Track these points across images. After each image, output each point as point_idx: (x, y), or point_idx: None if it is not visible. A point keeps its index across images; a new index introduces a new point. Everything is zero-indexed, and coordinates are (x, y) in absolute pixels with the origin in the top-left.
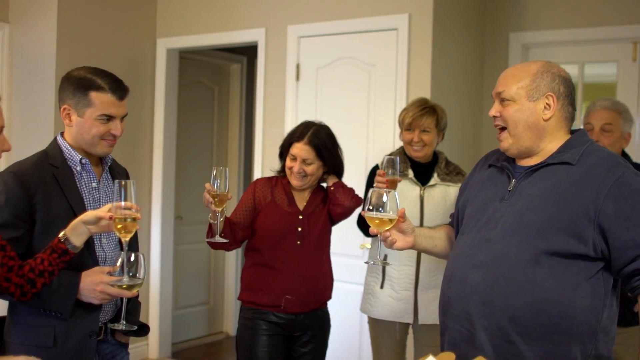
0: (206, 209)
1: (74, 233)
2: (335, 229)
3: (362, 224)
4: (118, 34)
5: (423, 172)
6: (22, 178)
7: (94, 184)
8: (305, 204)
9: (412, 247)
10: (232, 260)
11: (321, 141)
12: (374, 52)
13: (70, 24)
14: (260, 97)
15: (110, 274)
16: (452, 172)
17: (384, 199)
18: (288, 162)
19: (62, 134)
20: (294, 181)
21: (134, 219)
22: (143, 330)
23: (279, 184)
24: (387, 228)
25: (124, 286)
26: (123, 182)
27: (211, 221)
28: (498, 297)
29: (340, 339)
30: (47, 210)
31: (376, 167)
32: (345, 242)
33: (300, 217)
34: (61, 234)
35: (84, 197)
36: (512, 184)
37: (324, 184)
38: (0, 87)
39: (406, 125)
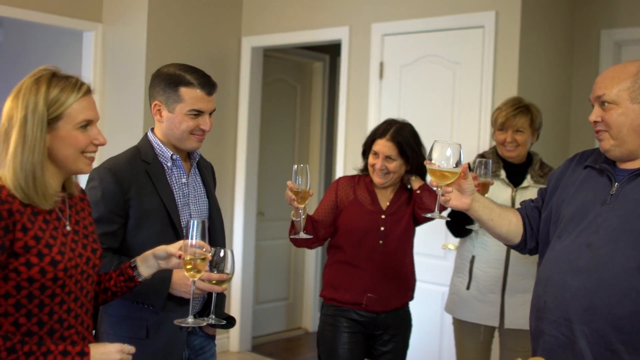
0: (288, 206)
1: (144, 264)
2: (417, 229)
3: (451, 225)
4: (205, 33)
5: (516, 173)
6: (117, 174)
7: (184, 180)
8: (388, 203)
9: (466, 210)
10: (312, 257)
11: (404, 138)
12: (459, 50)
13: (159, 23)
14: (343, 96)
15: None
16: (546, 175)
17: (448, 152)
18: (370, 159)
19: (152, 129)
20: (376, 178)
21: (204, 259)
22: (230, 323)
23: (361, 182)
24: (447, 182)
25: (214, 281)
26: (196, 221)
27: (293, 218)
28: (600, 303)
29: (421, 340)
30: (140, 206)
31: (467, 165)
32: (427, 242)
33: (383, 216)
34: (132, 260)
35: (175, 193)
36: (615, 187)
37: (409, 185)
38: (94, 83)
39: (499, 125)
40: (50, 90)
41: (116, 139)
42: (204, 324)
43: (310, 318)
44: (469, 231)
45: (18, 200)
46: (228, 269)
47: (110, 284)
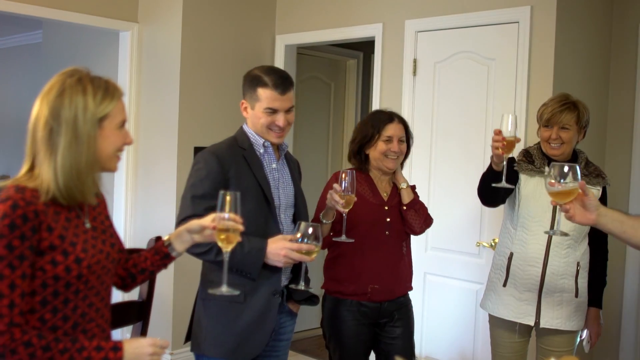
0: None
1: (178, 240)
2: (451, 227)
3: (482, 192)
4: (239, 32)
5: None
6: (219, 156)
7: (274, 165)
8: (386, 194)
9: (594, 225)
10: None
11: (405, 121)
12: (493, 46)
13: (194, 23)
14: (376, 93)
15: (291, 242)
16: (591, 174)
17: (565, 170)
18: (382, 146)
19: (245, 123)
20: (389, 164)
21: (236, 230)
22: (312, 300)
23: (360, 176)
24: (567, 201)
25: (304, 252)
26: (227, 194)
27: (324, 220)
28: None
29: (456, 337)
30: (239, 185)
31: (512, 159)
32: (461, 239)
33: (386, 207)
34: (165, 238)
35: (267, 175)
36: None
37: (400, 186)
38: (130, 82)
39: (544, 121)
40: (96, 90)
41: (152, 137)
42: (237, 293)
43: None
44: (498, 196)
45: (42, 200)
46: (318, 242)
47: (146, 265)
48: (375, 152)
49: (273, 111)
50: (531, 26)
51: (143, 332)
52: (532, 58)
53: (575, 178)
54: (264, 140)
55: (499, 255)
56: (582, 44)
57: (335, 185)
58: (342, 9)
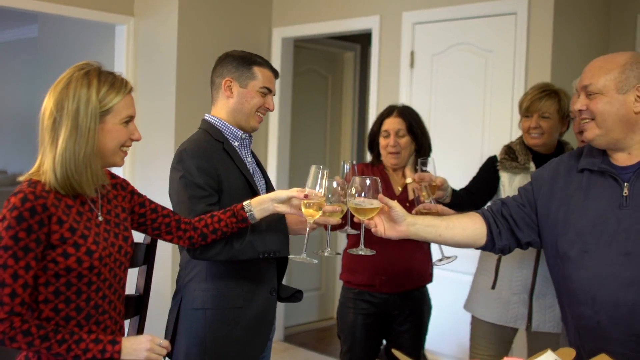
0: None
1: (258, 207)
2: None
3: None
4: (235, 25)
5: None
6: (205, 151)
7: (250, 159)
8: (400, 189)
9: (406, 237)
10: (344, 247)
11: (410, 114)
12: (491, 37)
13: (190, 15)
14: (374, 85)
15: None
16: None
17: (367, 182)
18: (382, 142)
19: (208, 115)
20: (390, 160)
21: (321, 203)
22: (297, 297)
23: (375, 169)
24: (369, 217)
25: (329, 213)
26: (321, 170)
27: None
28: None
29: (456, 332)
30: (228, 180)
31: (494, 158)
32: None
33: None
34: (246, 202)
35: (248, 168)
36: (626, 187)
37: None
38: (126, 77)
39: (524, 110)
40: (101, 85)
41: (148, 132)
42: (315, 261)
43: None
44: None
45: (52, 193)
46: (322, 190)
47: (220, 225)
48: (380, 147)
49: (268, 91)
50: (529, 17)
51: (140, 327)
52: (530, 49)
53: (375, 191)
54: (241, 133)
55: (486, 256)
56: (580, 34)
57: (337, 177)
58: (339, 1)
